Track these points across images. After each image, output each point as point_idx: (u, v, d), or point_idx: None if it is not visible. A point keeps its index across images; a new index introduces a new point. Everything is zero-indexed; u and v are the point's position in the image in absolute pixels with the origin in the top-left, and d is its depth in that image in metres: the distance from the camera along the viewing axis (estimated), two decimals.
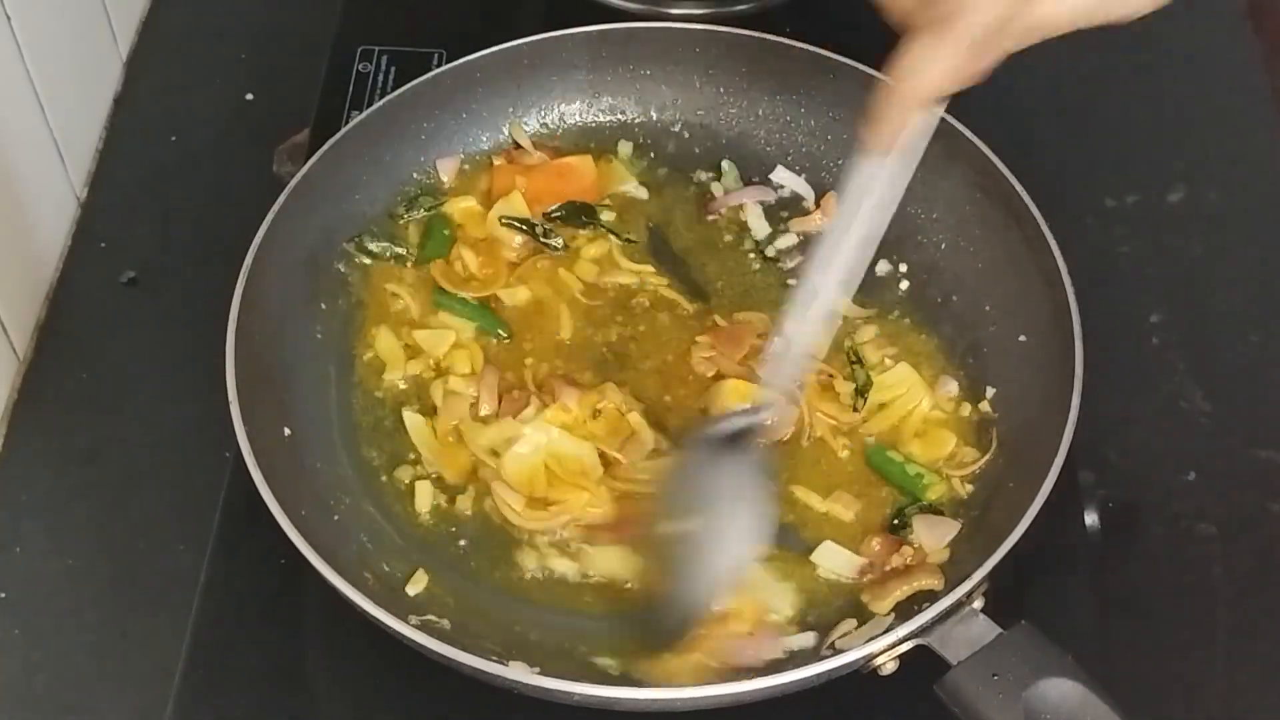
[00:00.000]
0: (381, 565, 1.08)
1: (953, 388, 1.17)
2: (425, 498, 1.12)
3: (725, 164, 1.32)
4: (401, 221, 1.26)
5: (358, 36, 1.44)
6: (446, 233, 1.25)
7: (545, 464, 1.11)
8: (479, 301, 1.22)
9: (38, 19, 1.31)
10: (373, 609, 0.97)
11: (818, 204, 1.29)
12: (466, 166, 1.30)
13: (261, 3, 1.62)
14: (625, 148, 1.33)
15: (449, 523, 1.11)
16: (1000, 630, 0.97)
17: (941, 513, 1.11)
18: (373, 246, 1.24)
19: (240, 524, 1.13)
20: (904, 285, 1.24)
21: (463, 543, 1.10)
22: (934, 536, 1.08)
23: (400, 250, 1.24)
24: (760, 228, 1.28)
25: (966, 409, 1.15)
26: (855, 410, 1.15)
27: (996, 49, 0.86)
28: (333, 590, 0.98)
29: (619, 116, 1.34)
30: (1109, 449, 1.24)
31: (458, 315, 1.21)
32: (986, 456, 1.12)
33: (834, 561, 1.08)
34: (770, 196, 1.30)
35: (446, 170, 1.29)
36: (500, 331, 1.20)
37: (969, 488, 1.12)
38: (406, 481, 1.13)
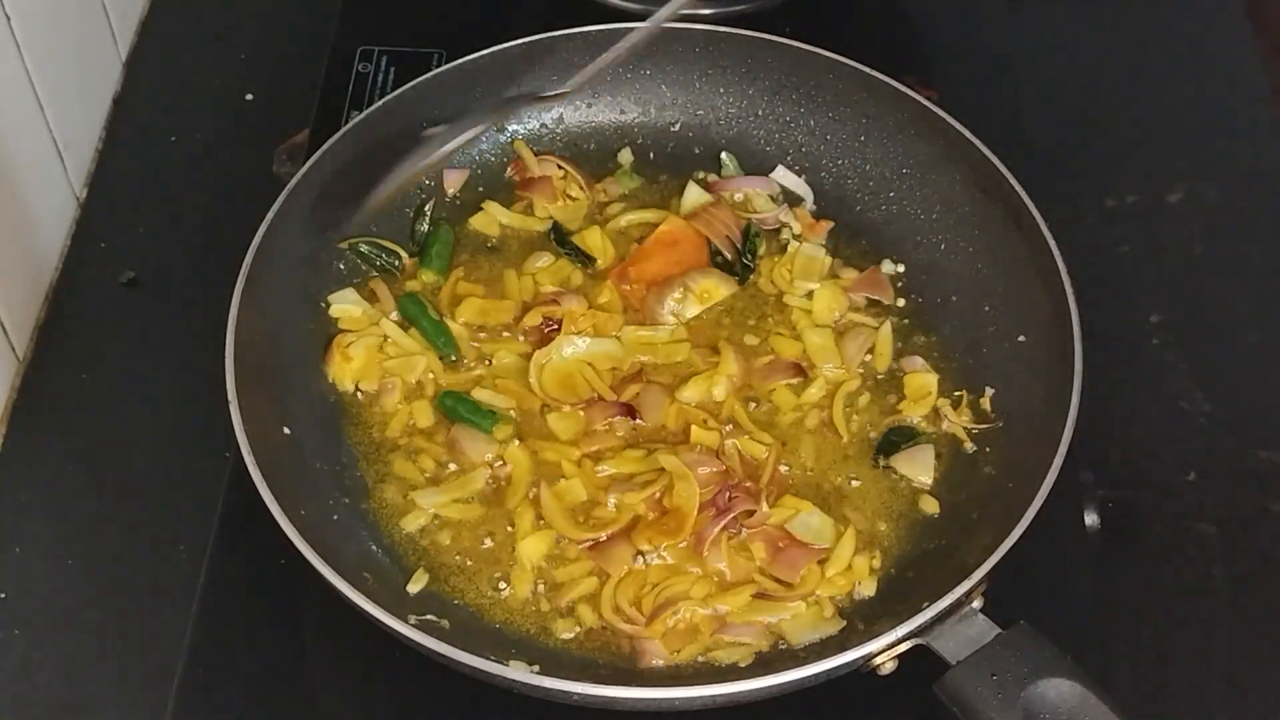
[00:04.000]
0: (381, 565, 1.08)
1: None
2: (416, 518, 1.11)
3: (724, 155, 1.32)
4: (414, 233, 1.26)
5: (358, 36, 1.44)
6: (445, 248, 1.25)
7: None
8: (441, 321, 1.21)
9: (38, 19, 1.31)
10: (373, 609, 0.97)
11: (816, 206, 1.29)
12: (479, 170, 1.30)
13: (261, 3, 1.62)
14: (626, 155, 1.33)
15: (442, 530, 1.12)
16: (999, 630, 0.97)
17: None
18: (364, 248, 1.24)
19: (240, 524, 1.13)
20: (904, 285, 1.24)
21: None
22: (917, 467, 1.12)
23: (390, 253, 1.24)
24: (766, 207, 1.28)
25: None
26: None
27: None
28: (333, 590, 0.98)
29: (619, 116, 1.34)
30: (1109, 449, 1.24)
31: (416, 327, 1.20)
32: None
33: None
34: (773, 188, 1.30)
35: (452, 182, 1.29)
36: (452, 355, 1.19)
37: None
38: (398, 499, 1.13)
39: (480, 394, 1.16)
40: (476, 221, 1.28)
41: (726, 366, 1.17)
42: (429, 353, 1.19)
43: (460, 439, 1.14)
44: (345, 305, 1.20)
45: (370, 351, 1.18)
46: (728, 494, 1.09)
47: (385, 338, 1.19)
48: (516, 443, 1.14)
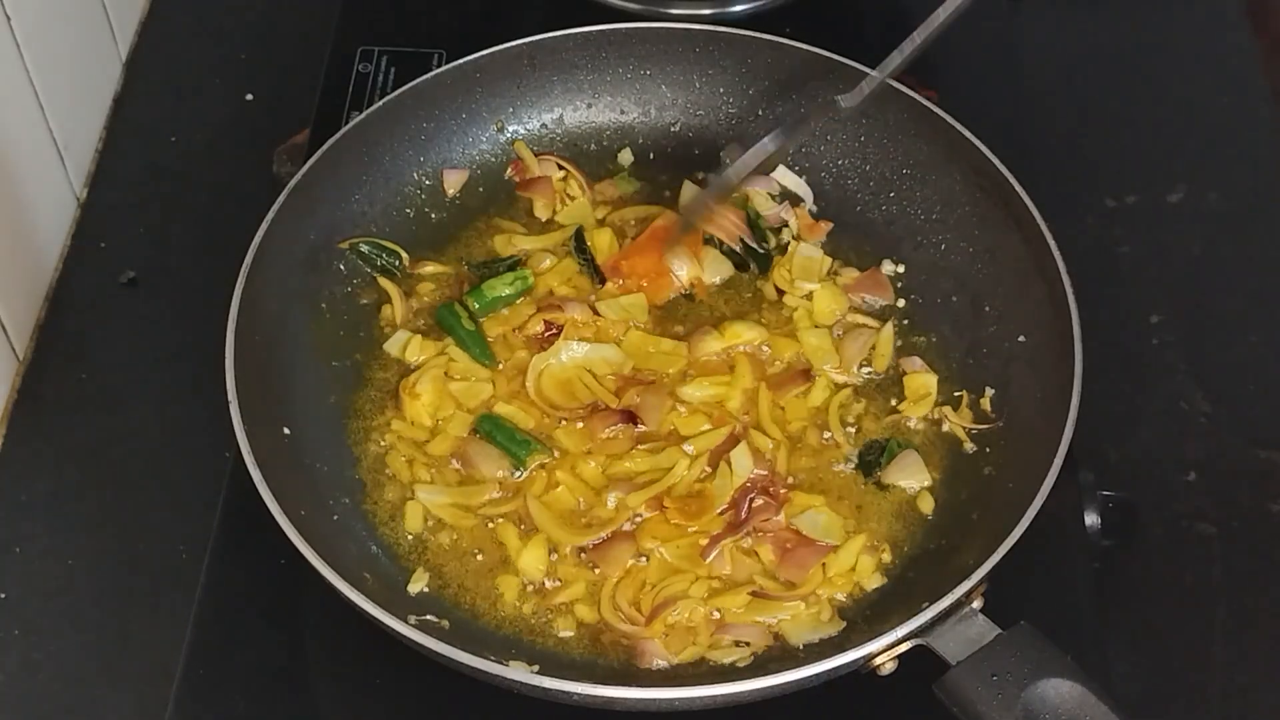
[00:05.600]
0: (381, 565, 1.08)
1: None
2: (415, 518, 1.11)
3: (724, 155, 1.32)
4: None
5: (358, 36, 1.44)
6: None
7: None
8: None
9: (38, 19, 1.31)
10: (372, 609, 0.97)
11: (816, 206, 1.29)
12: (479, 171, 1.30)
13: (261, 3, 1.62)
14: (626, 156, 1.33)
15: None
16: (999, 630, 0.97)
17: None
18: (364, 248, 1.24)
19: (240, 524, 1.13)
20: (904, 285, 1.24)
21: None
22: (909, 473, 1.12)
23: (390, 252, 1.24)
24: (766, 206, 1.28)
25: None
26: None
27: None
28: (333, 590, 0.98)
29: (619, 116, 1.34)
30: (1109, 449, 1.25)
31: (452, 335, 1.19)
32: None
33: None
34: (773, 188, 1.30)
35: (452, 182, 1.29)
36: (486, 361, 1.19)
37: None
38: (398, 499, 1.13)
39: (503, 409, 1.16)
40: (498, 243, 1.27)
41: (742, 380, 1.17)
42: (498, 377, 1.18)
43: (473, 454, 1.13)
44: (400, 342, 1.20)
45: (437, 383, 1.17)
46: (749, 500, 1.09)
47: (450, 362, 1.18)
48: (539, 468, 1.13)
